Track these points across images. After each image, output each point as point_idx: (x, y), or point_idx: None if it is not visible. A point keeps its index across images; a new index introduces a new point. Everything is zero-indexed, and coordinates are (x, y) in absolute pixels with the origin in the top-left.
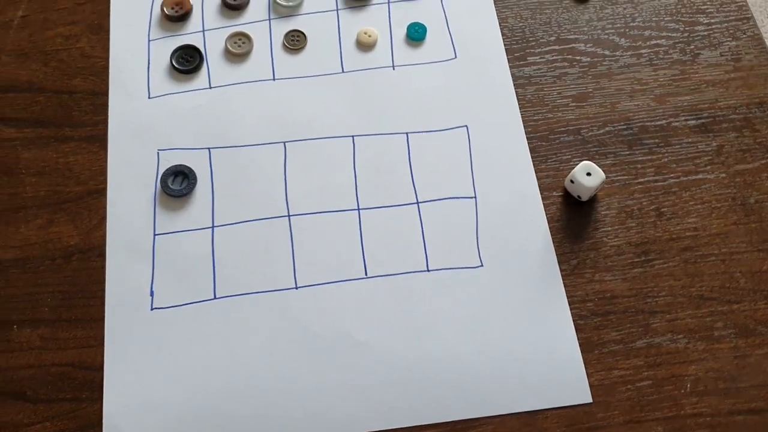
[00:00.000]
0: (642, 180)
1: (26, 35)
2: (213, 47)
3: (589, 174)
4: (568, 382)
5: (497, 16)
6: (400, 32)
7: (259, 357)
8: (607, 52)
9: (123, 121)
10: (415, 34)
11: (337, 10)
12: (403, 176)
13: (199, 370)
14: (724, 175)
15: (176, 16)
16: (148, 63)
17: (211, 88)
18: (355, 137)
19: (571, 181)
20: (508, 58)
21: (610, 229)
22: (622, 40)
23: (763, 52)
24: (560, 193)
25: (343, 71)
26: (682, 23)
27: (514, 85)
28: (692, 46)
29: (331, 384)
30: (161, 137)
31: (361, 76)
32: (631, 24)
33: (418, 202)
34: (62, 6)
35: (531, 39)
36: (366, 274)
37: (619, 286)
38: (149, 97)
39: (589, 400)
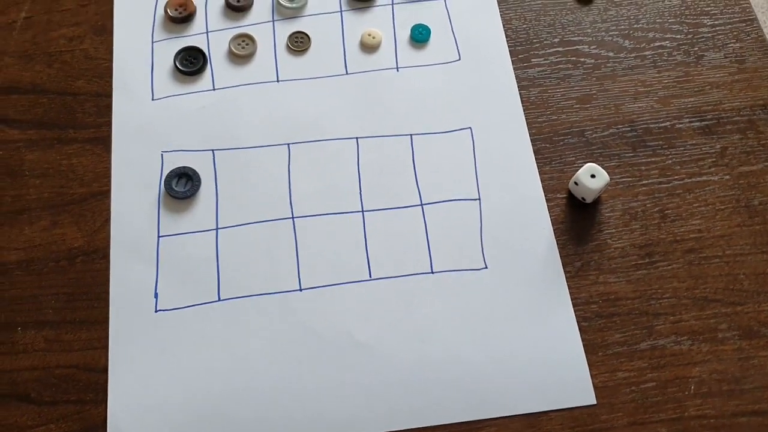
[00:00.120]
0: (646, 182)
1: (30, 36)
2: (217, 49)
3: (593, 176)
4: (571, 384)
5: (501, 17)
6: (404, 34)
7: (263, 359)
8: (611, 54)
9: (127, 123)
10: (419, 36)
11: (341, 11)
12: (407, 178)
13: (203, 371)
14: (728, 177)
15: (180, 17)
16: (152, 64)
17: (214, 89)
18: (359, 139)
19: (575, 183)
20: (511, 60)
21: (614, 231)
22: (626, 41)
23: (767, 54)
24: (564, 195)
25: (346, 73)
26: (686, 25)
27: (518, 86)
28: (696, 48)
29: (334, 386)
30: (165, 139)
31: (364, 77)
32: (635, 26)
33: (422, 204)
34: (66, 7)
35: (535, 41)
36: (370, 276)
37: (623, 288)
38: (153, 99)
39: (593, 401)
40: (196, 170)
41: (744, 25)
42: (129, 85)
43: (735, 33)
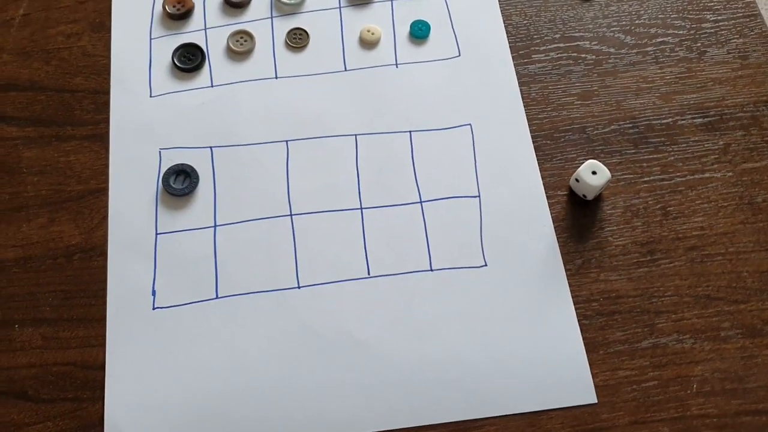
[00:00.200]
0: (648, 179)
1: (28, 34)
2: (215, 45)
3: (594, 173)
4: (572, 383)
5: (502, 13)
6: (404, 30)
7: (261, 357)
8: (612, 50)
9: (124, 120)
10: (419, 32)
11: (340, 7)
12: (406, 175)
13: (200, 369)
14: (731, 173)
15: (178, 14)
16: (150, 61)
17: (213, 86)
18: (357, 136)
19: (576, 180)
20: (512, 56)
21: (615, 228)
22: (628, 37)
23: None
24: (565, 192)
25: (345, 69)
26: (688, 20)
27: (519, 83)
28: (699, 44)
29: (332, 384)
30: (163, 136)
31: (364, 74)
32: (637, 21)
33: (421, 201)
34: (64, 4)
35: (536, 36)
36: (369, 273)
37: (625, 286)
38: (151, 96)
39: (594, 400)
40: (194, 167)
41: (747, 20)
42: (127, 82)
43: (738, 28)
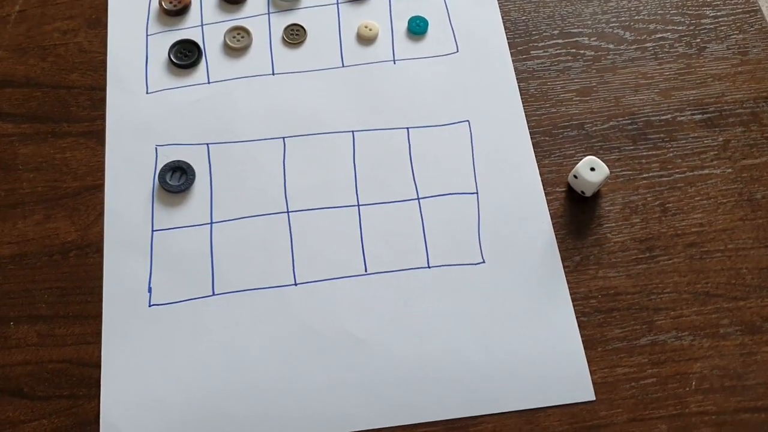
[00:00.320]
0: (647, 175)
1: (24, 30)
2: (212, 42)
3: (592, 169)
4: (570, 380)
5: (500, 9)
6: (402, 26)
7: (257, 354)
8: (611, 46)
9: (121, 117)
10: (417, 28)
11: (338, 3)
12: (403, 172)
13: (197, 366)
14: (730, 170)
15: (175, 10)
16: (147, 58)
17: (209, 83)
18: (355, 132)
19: (575, 177)
20: (510, 52)
21: (614, 224)
22: (627, 33)
23: None
24: (563, 189)
25: (343, 65)
26: (687, 16)
27: (517, 79)
28: (698, 40)
29: (329, 381)
30: (159, 133)
31: (361, 70)
32: (636, 17)
33: (418, 198)
34: (60, 0)
35: (534, 32)
36: (366, 270)
37: (623, 283)
38: (147, 92)
39: (592, 397)
40: (191, 164)
41: (747, 16)
42: (123, 79)
43: (738, 24)
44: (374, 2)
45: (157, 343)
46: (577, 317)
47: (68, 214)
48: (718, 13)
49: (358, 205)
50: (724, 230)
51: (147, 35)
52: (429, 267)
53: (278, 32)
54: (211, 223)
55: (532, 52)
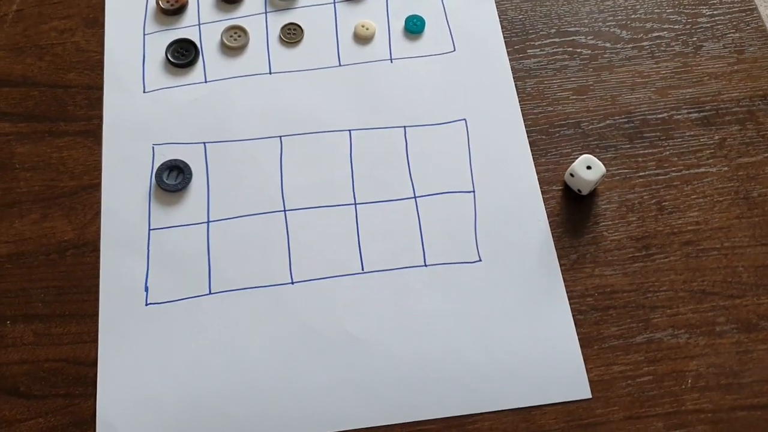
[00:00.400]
0: (643, 173)
1: (21, 29)
2: (209, 41)
3: (589, 167)
4: (567, 378)
5: (497, 8)
6: (398, 25)
7: (254, 352)
8: (608, 45)
9: (118, 116)
10: (414, 27)
11: (334, 2)
12: (400, 170)
13: (193, 365)
14: (726, 168)
15: (172, 9)
16: (144, 57)
17: (206, 82)
18: (352, 131)
19: (571, 175)
20: (507, 51)
21: (610, 223)
22: (624, 32)
23: (767, 43)
24: (560, 187)
25: (340, 65)
26: (684, 15)
27: (514, 77)
28: (695, 38)
29: (326, 379)
30: (156, 132)
31: (358, 69)
32: (633, 16)
33: (415, 197)
34: None
35: (531, 31)
36: (362, 269)
37: (620, 281)
38: (144, 92)
39: (588, 395)
40: (188, 163)
41: (743, 14)
42: (120, 78)
43: (734, 23)
44: (371, 1)
45: (154, 342)
46: (573, 315)
47: (65, 213)
48: (715, 12)
49: (355, 204)
50: (721, 228)
51: (144, 34)
52: (426, 265)
53: (275, 31)
54: (208, 222)
55: (528, 50)
